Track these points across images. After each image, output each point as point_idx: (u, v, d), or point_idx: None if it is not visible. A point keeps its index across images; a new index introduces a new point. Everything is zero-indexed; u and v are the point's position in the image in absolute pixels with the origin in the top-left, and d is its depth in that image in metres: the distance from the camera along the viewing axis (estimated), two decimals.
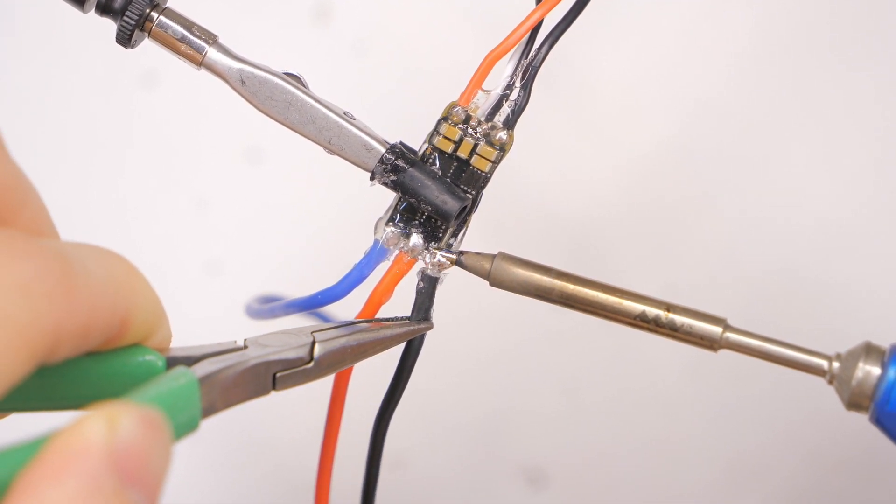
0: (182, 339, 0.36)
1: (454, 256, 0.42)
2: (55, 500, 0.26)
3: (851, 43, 0.83)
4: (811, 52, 0.83)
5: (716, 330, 0.41)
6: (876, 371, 0.39)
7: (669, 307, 0.41)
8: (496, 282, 0.42)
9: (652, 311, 0.41)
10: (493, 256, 0.42)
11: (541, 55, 0.42)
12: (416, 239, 0.42)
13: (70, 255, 0.29)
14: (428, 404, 0.82)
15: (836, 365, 0.40)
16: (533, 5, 0.42)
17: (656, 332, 0.41)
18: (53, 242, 0.30)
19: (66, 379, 0.32)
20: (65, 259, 0.29)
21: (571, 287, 0.42)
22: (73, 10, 0.42)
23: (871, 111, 0.83)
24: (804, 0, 0.83)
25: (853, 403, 0.40)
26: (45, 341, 0.28)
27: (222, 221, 0.87)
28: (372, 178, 0.42)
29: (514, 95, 0.42)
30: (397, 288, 0.42)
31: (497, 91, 0.42)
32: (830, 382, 0.40)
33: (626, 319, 0.41)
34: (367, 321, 0.41)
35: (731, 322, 0.41)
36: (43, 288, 0.28)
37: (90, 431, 0.27)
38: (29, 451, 0.27)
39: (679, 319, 0.41)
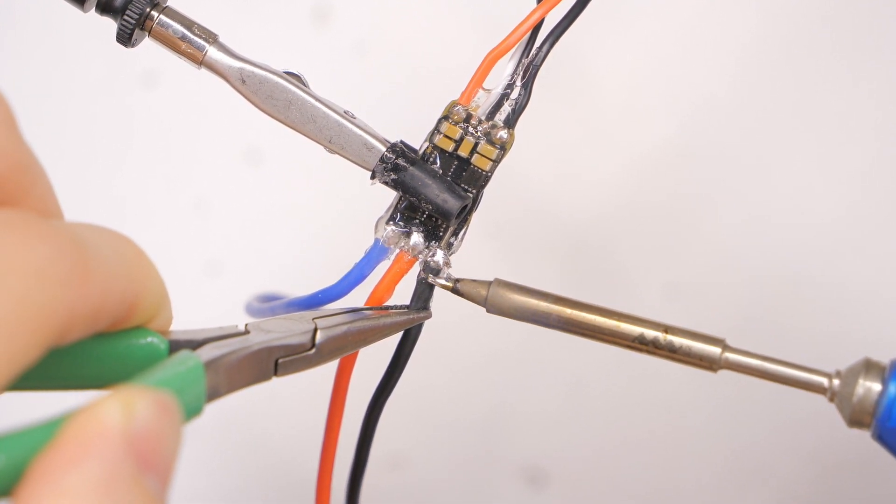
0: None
1: (450, 284, 0.42)
2: (74, 486, 0.26)
3: (855, 44, 0.83)
4: (814, 53, 0.83)
5: (714, 350, 0.41)
6: (876, 387, 0.39)
7: (667, 329, 0.41)
8: (493, 308, 0.42)
9: (650, 334, 0.41)
10: (490, 283, 0.42)
11: (542, 54, 0.42)
12: (416, 238, 0.42)
13: (83, 237, 0.29)
14: (428, 403, 0.82)
15: (836, 382, 0.40)
16: (534, 4, 0.42)
17: (655, 353, 0.41)
18: (66, 224, 0.30)
19: (69, 360, 0.32)
20: (79, 242, 0.29)
21: (569, 311, 0.42)
22: (74, 9, 0.42)
23: (875, 112, 0.83)
24: (807, 1, 0.83)
25: (855, 421, 0.40)
26: (59, 324, 0.28)
27: (222, 222, 0.86)
28: (372, 177, 0.42)
29: (514, 94, 0.42)
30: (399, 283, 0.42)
31: (498, 90, 0.42)
32: (831, 400, 0.40)
33: (625, 342, 0.41)
34: (368, 308, 0.41)
35: (732, 332, 0.41)
36: (58, 271, 0.27)
37: (107, 415, 0.27)
38: (43, 433, 0.27)
39: (677, 341, 0.41)
